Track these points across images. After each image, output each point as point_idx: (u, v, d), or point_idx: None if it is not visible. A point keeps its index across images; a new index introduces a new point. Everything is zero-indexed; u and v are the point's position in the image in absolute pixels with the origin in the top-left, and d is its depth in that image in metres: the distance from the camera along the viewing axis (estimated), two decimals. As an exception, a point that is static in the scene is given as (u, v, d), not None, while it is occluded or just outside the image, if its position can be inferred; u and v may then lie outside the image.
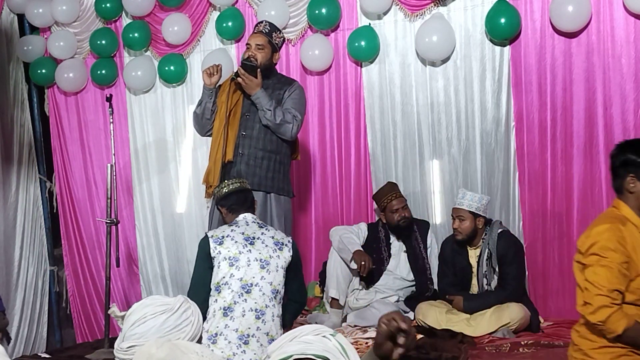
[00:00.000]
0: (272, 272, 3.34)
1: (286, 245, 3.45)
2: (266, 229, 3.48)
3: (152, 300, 1.86)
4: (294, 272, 3.49)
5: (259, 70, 4.05)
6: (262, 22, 4.25)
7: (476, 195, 4.17)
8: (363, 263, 4.29)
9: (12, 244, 5.86)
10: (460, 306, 4.10)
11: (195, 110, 4.26)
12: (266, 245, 3.38)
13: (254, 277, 3.30)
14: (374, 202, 4.73)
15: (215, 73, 4.13)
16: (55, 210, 6.04)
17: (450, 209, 4.67)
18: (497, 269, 4.12)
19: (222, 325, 3.24)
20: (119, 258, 4.39)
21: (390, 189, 4.58)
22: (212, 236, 3.40)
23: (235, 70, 4.11)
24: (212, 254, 3.35)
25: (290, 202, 4.29)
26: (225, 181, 3.68)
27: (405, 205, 4.57)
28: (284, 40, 4.31)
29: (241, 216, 3.51)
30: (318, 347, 1.51)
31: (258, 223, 3.51)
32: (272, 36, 4.14)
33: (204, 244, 3.40)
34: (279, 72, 4.50)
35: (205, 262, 3.38)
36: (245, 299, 3.28)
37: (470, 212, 4.12)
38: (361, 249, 4.40)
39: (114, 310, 1.91)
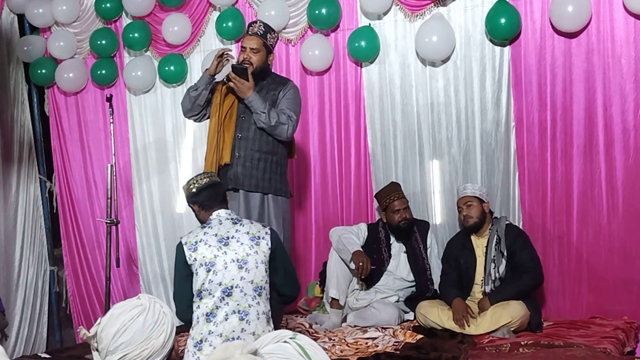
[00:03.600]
0: (251, 270, 3.25)
1: (263, 238, 3.32)
2: (241, 225, 3.36)
3: (121, 308, 1.85)
4: (276, 263, 3.37)
5: (250, 72, 4.00)
6: (256, 22, 4.16)
7: (476, 185, 4.42)
8: (361, 264, 4.29)
9: (12, 244, 5.87)
10: (486, 303, 4.09)
11: (190, 92, 4.16)
12: (242, 244, 3.28)
13: (232, 279, 3.22)
14: (376, 201, 4.72)
15: (223, 60, 4.08)
16: (55, 210, 6.04)
17: (451, 209, 4.70)
18: (505, 254, 4.18)
19: (206, 332, 3.20)
20: (118, 258, 4.39)
21: (394, 189, 4.59)
22: (185, 243, 3.31)
23: (226, 74, 4.06)
24: (189, 262, 3.26)
25: (288, 203, 4.27)
26: (193, 177, 3.55)
27: (407, 207, 4.58)
28: (277, 38, 4.27)
29: (214, 214, 3.39)
30: (278, 358, 1.52)
31: (232, 219, 3.38)
32: (267, 38, 4.08)
33: (179, 252, 3.31)
34: (275, 71, 4.48)
35: (182, 269, 3.31)
36: (227, 302, 3.21)
37: (475, 197, 4.30)
38: (360, 249, 4.39)
39: (84, 332, 1.88)
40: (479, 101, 4.67)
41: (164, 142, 5.59)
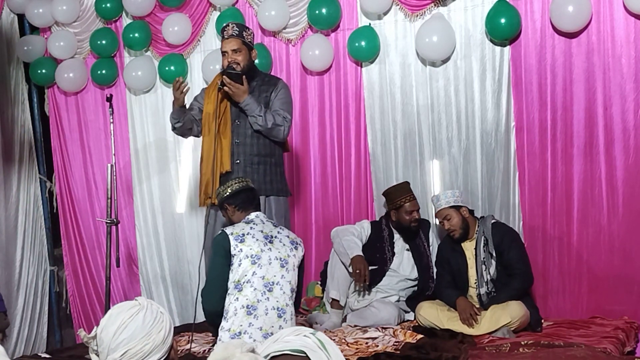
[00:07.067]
0: (290, 271, 3.39)
1: (299, 245, 3.51)
2: (280, 228, 3.51)
3: (119, 308, 1.89)
4: (299, 273, 3.53)
5: (244, 76, 4.03)
6: (227, 25, 4.15)
7: (448, 191, 4.36)
8: (358, 271, 4.26)
9: (13, 244, 5.87)
10: (481, 309, 4.10)
11: (175, 125, 4.22)
12: (284, 245, 3.42)
13: (275, 276, 3.34)
14: (385, 198, 4.62)
15: (183, 89, 4.08)
16: (55, 210, 6.04)
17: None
18: (494, 254, 4.16)
19: (246, 324, 3.26)
20: (119, 258, 4.39)
21: (408, 190, 4.57)
22: (231, 233, 3.36)
23: (219, 80, 4.05)
24: (233, 252, 3.32)
25: (288, 201, 4.31)
26: (230, 181, 3.67)
27: (418, 209, 4.58)
28: (254, 35, 4.26)
29: (253, 214, 3.50)
30: (296, 344, 1.58)
31: (272, 222, 3.53)
32: (243, 36, 4.09)
33: (223, 241, 3.35)
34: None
35: (224, 259, 3.36)
36: (268, 298, 3.30)
37: (451, 207, 4.24)
38: (361, 254, 4.33)
39: (84, 334, 1.92)
40: (479, 101, 4.67)
41: (164, 142, 5.59)
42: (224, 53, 4.11)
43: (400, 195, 4.53)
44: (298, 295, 3.66)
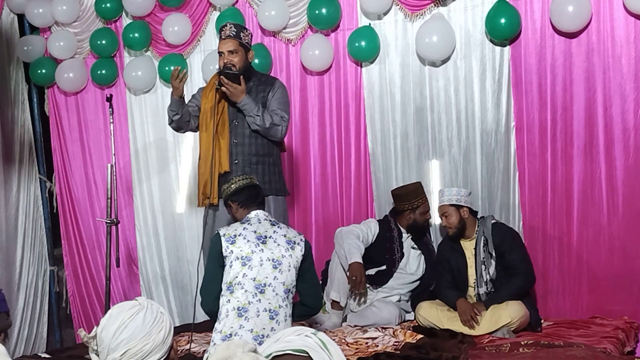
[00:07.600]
0: (284, 271, 3.32)
1: (298, 244, 3.41)
2: (278, 227, 3.45)
3: (119, 308, 1.89)
4: (305, 272, 3.44)
5: (241, 76, 4.03)
6: (225, 25, 4.15)
7: (453, 189, 4.34)
8: (354, 278, 4.26)
9: (13, 244, 5.87)
10: (481, 307, 4.10)
11: (173, 117, 4.19)
12: (278, 244, 3.36)
13: (266, 277, 3.29)
14: (398, 198, 4.59)
15: (181, 78, 4.09)
16: (55, 210, 6.04)
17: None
18: (494, 255, 4.16)
19: (236, 326, 3.24)
20: (119, 258, 4.39)
21: (423, 191, 4.59)
22: (224, 235, 3.36)
23: (217, 81, 4.05)
24: (224, 253, 3.31)
25: (285, 201, 4.31)
26: (234, 177, 3.65)
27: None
28: (251, 36, 4.26)
29: (253, 213, 3.47)
30: (298, 344, 1.59)
31: (270, 221, 3.48)
32: (240, 37, 4.08)
33: (216, 243, 3.36)
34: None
35: (217, 260, 3.36)
36: (259, 299, 3.27)
37: (451, 205, 4.25)
38: (359, 261, 4.30)
39: (84, 333, 1.92)
40: (479, 101, 4.67)
41: (164, 142, 5.59)
42: (220, 53, 4.11)
43: (417, 196, 4.56)
44: (316, 295, 3.58)
